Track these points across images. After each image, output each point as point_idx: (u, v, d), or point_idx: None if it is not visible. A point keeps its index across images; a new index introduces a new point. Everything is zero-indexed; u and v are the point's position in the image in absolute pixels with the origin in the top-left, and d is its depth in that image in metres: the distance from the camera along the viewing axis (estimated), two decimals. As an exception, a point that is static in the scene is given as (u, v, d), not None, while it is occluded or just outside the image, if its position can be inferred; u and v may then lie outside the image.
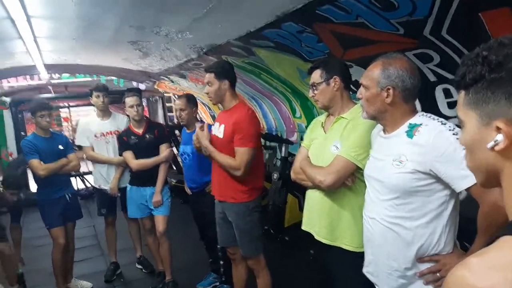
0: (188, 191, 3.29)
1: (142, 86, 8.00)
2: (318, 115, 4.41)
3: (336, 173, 1.73)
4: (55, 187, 3.20)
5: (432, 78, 2.39)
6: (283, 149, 4.38)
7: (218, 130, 2.49)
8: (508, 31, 1.72)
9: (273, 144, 5.28)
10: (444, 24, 1.97)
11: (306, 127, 4.81)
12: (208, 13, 2.95)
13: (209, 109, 8.10)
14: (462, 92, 0.69)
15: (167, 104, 9.74)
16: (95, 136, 3.51)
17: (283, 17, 2.71)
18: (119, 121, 3.59)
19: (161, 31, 3.68)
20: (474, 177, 0.75)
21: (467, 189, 1.28)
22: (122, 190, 3.50)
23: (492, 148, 0.64)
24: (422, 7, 1.93)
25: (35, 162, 3.05)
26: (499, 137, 0.62)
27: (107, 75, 7.89)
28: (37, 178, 3.16)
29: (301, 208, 4.12)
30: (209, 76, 2.43)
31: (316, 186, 1.83)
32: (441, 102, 2.44)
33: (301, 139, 5.02)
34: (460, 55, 2.11)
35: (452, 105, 2.41)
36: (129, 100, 3.21)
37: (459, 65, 0.70)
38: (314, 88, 1.92)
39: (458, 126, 0.86)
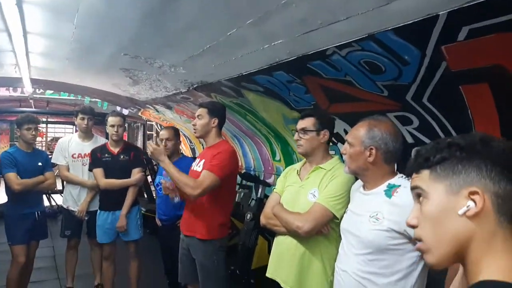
0: (159, 222, 3.25)
1: (125, 112, 7.99)
2: (297, 161, 4.52)
3: (315, 220, 1.77)
4: (26, 203, 3.11)
5: (409, 140, 2.52)
6: (260, 190, 4.40)
7: (198, 165, 2.52)
8: (485, 104, 1.87)
9: (249, 183, 5.30)
10: (426, 92, 2.12)
11: (285, 171, 4.89)
12: (205, 52, 3.06)
13: (190, 141, 8.12)
14: (425, 171, 0.77)
15: (148, 132, 9.73)
16: (73, 156, 3.46)
17: (276, 66, 2.84)
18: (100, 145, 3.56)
19: (155, 63, 3.76)
20: None
21: None
22: (91, 214, 3.42)
23: (463, 215, 0.70)
24: (407, 74, 2.08)
25: (11, 175, 2.98)
26: (471, 203, 0.69)
27: (92, 97, 7.85)
28: (9, 192, 3.07)
29: (270, 252, 4.10)
30: (202, 110, 2.52)
31: (293, 232, 1.85)
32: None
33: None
34: (438, 122, 2.25)
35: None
36: (111, 120, 3.24)
37: (414, 157, 0.80)
38: (303, 133, 1.98)
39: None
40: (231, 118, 4.94)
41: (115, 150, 3.30)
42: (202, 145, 7.41)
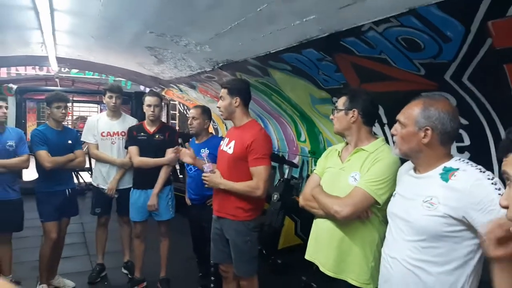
0: (188, 201, 3.27)
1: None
2: (324, 141, 4.44)
3: (354, 205, 1.69)
4: (57, 180, 3.16)
5: (446, 121, 2.42)
6: (287, 171, 4.37)
7: (228, 146, 2.48)
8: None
9: (273, 164, 5.28)
10: (467, 70, 2.01)
11: (310, 151, 4.84)
12: (232, 30, 3.00)
13: (213, 122, 8.13)
14: None
15: (171, 112, 9.80)
16: (102, 134, 3.51)
17: (306, 43, 2.76)
18: (128, 123, 3.57)
19: (181, 41, 3.73)
20: None
21: None
22: (121, 192, 3.48)
23: None
24: (448, 52, 1.98)
25: (42, 153, 3.02)
26: None
27: (116, 76, 7.92)
28: (40, 169, 3.13)
29: (297, 233, 4.11)
30: (223, 91, 2.48)
31: (330, 216, 1.79)
32: (453, 146, 2.46)
33: (303, 162, 5.04)
34: (478, 102, 2.14)
35: (461, 149, 2.44)
36: (148, 99, 3.26)
37: (505, 137, 0.85)
38: (336, 111, 1.92)
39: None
40: (256, 98, 4.88)
41: (151, 129, 3.33)
42: (226, 125, 7.40)
